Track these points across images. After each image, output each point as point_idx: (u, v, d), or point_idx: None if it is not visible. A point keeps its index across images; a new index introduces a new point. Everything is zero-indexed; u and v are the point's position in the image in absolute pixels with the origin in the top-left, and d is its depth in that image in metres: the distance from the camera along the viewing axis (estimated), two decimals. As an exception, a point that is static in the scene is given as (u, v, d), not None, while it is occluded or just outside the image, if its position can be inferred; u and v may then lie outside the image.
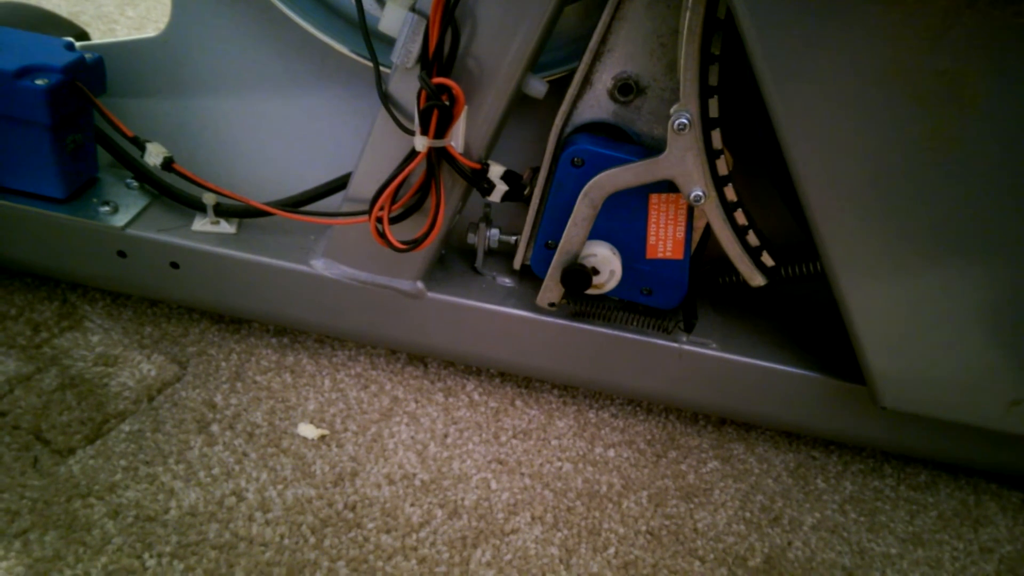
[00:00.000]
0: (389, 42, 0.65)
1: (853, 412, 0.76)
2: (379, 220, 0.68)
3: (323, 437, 0.75)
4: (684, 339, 0.76)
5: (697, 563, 0.70)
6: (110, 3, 1.59)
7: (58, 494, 0.66)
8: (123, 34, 1.47)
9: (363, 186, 0.71)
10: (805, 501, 0.78)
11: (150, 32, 0.85)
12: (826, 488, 0.80)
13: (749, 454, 0.82)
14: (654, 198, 0.69)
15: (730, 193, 0.66)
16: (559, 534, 0.70)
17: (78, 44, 0.78)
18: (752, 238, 0.68)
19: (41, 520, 0.64)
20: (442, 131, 0.64)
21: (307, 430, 0.75)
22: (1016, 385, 0.68)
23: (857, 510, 0.78)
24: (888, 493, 0.81)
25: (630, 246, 0.71)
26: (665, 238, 0.70)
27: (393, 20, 0.63)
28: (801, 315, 0.82)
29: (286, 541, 0.65)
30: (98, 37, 1.26)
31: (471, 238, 0.79)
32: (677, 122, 0.62)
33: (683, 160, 0.64)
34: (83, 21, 1.46)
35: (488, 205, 0.78)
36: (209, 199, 0.77)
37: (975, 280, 0.63)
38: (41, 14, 0.99)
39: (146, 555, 0.63)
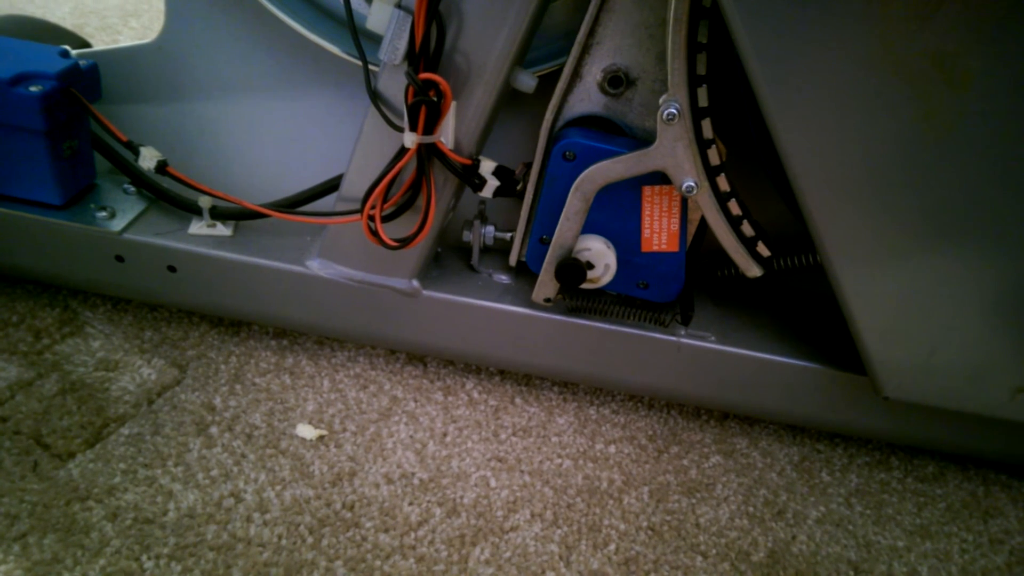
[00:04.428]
0: (379, 41, 0.65)
1: (856, 403, 0.75)
2: (371, 218, 0.68)
3: (321, 437, 0.75)
4: (682, 332, 0.75)
5: (699, 558, 0.69)
6: (114, 15, 1.60)
7: (57, 497, 0.66)
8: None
9: (355, 185, 0.71)
10: (810, 495, 0.77)
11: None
12: (831, 481, 0.79)
13: (752, 448, 0.81)
14: (647, 190, 0.68)
15: (723, 183, 0.65)
16: (559, 531, 0.70)
17: (74, 52, 0.79)
18: (747, 228, 0.68)
19: (40, 524, 0.64)
20: (431, 127, 0.64)
21: (306, 431, 0.75)
22: (1021, 371, 0.66)
23: (863, 503, 0.77)
24: (895, 485, 0.79)
25: (625, 240, 0.70)
26: (660, 231, 0.70)
27: (380, 17, 0.63)
28: (801, 306, 0.81)
29: (284, 541, 0.65)
30: (100, 48, 1.26)
31: (467, 235, 0.78)
32: (666, 112, 0.62)
33: (673, 150, 0.63)
34: (87, 33, 1.48)
35: (483, 202, 0.78)
36: (205, 202, 0.77)
37: (973, 264, 0.62)
38: (43, 26, 1.00)
39: (144, 557, 0.63)
